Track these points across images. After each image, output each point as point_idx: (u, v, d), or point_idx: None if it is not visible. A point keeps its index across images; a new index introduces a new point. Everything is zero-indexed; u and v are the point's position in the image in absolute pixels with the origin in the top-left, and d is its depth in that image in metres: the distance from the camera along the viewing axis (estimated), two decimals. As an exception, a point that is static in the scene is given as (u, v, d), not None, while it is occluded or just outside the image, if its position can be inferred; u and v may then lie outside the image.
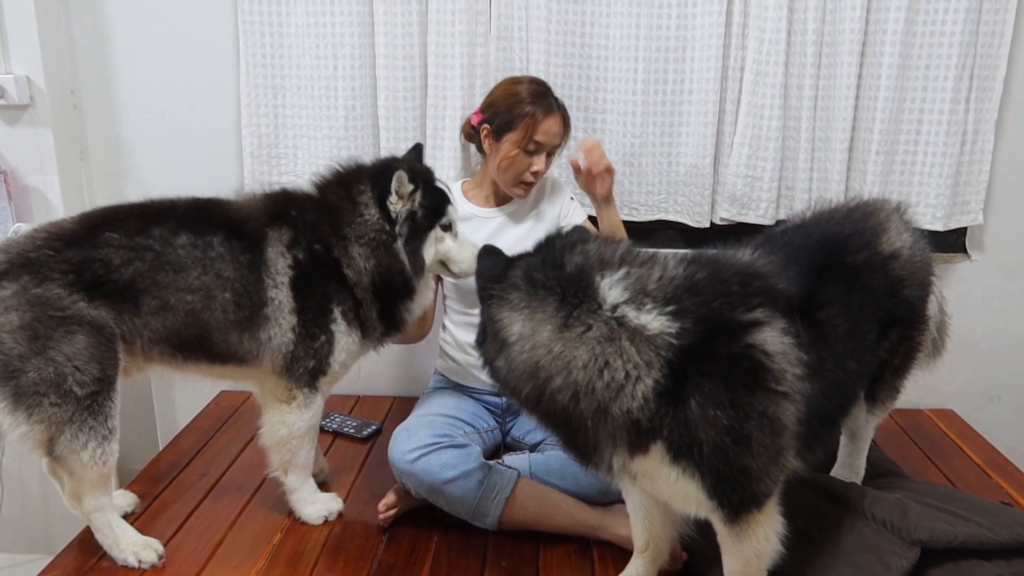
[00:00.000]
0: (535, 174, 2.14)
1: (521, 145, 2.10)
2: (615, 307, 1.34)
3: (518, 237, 2.20)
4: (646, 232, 2.61)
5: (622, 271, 1.38)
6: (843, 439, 2.00)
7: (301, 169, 2.54)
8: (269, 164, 2.56)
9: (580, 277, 1.38)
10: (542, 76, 2.40)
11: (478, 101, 2.46)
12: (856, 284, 1.59)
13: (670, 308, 1.33)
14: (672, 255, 1.45)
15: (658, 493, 1.45)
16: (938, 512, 1.65)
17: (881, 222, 1.73)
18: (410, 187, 1.88)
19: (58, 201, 2.50)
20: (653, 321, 1.32)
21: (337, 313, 1.88)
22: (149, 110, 2.60)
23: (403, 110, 2.48)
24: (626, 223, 2.36)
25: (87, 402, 1.69)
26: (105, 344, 1.70)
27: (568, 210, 2.31)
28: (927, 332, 1.86)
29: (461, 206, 2.21)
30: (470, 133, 2.27)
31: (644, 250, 1.47)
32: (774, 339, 1.35)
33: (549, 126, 2.11)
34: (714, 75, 2.40)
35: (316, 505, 2.00)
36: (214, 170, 2.60)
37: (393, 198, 1.87)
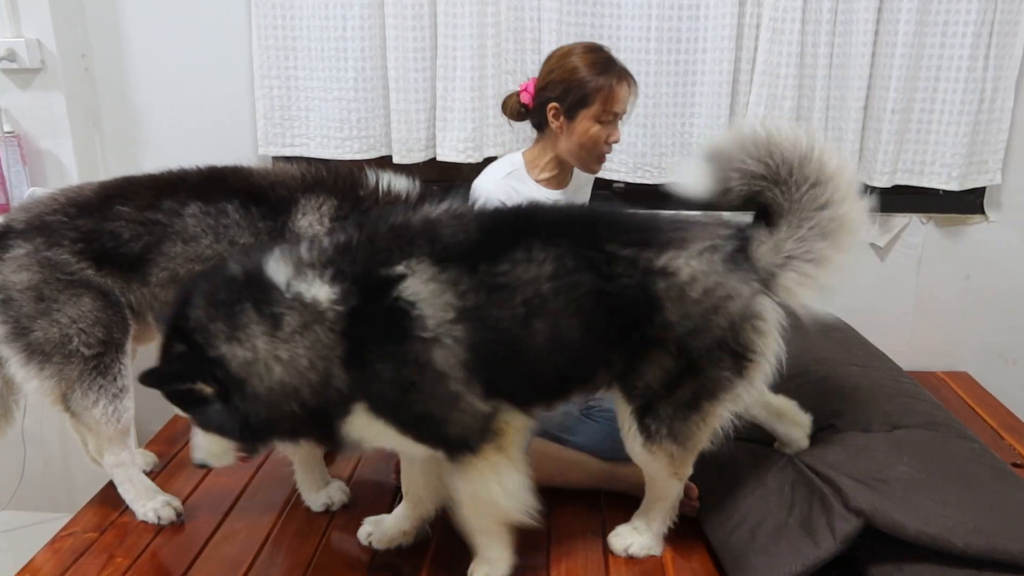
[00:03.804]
0: (610, 144, 2.04)
1: (599, 118, 1.99)
2: (288, 285, 1.40)
3: None
4: (661, 195, 2.59)
5: (278, 250, 1.45)
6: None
7: (313, 132, 2.54)
8: (282, 127, 2.55)
9: (252, 273, 1.43)
10: (553, 36, 2.38)
11: (489, 62, 2.45)
12: (584, 268, 1.50)
13: (328, 272, 1.42)
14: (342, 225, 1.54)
15: (386, 445, 1.54)
16: (921, 492, 1.59)
17: (679, 239, 1.55)
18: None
19: (72, 165, 2.51)
20: (320, 291, 1.40)
21: None
22: (161, 74, 2.59)
23: (413, 71, 2.46)
24: (639, 186, 2.35)
25: (94, 362, 1.73)
26: (112, 309, 1.73)
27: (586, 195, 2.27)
28: (728, 379, 1.57)
29: (527, 184, 2.09)
30: (520, 112, 2.10)
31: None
32: (417, 288, 1.40)
33: (624, 93, 2.00)
34: (729, 33, 2.37)
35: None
36: (227, 133, 2.60)
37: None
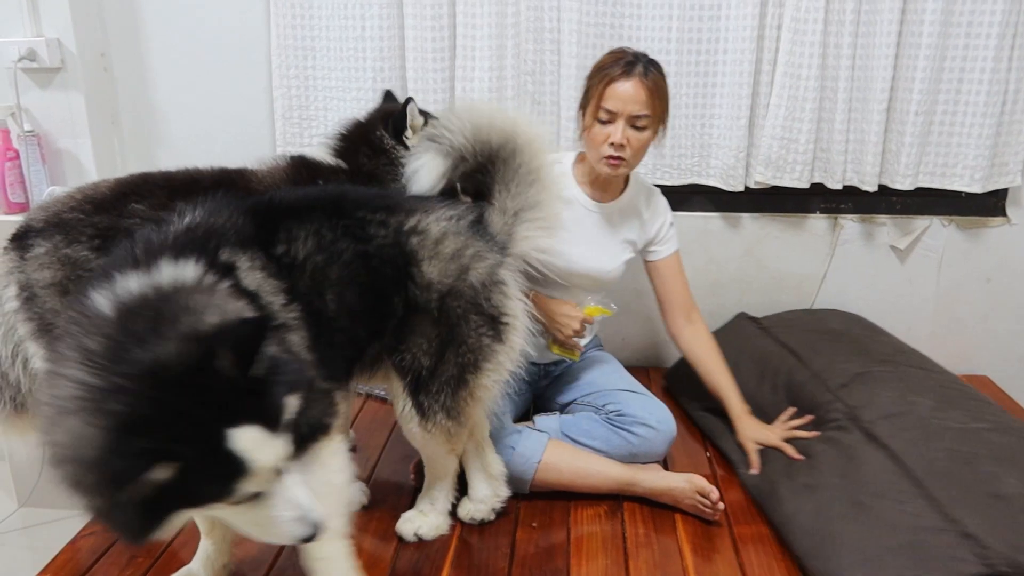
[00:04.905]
0: (613, 145, 1.94)
1: (595, 115, 1.95)
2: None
3: (624, 237, 2.15)
4: (680, 197, 2.58)
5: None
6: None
7: (331, 131, 2.52)
8: (300, 126, 2.55)
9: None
10: (573, 36, 2.37)
11: (508, 63, 2.44)
12: (341, 236, 1.53)
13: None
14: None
15: None
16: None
17: (423, 207, 1.64)
18: (421, 119, 1.93)
19: (91, 164, 2.52)
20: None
21: None
22: (180, 74, 2.59)
23: (431, 71, 2.46)
24: (658, 187, 2.33)
25: None
26: None
27: (663, 236, 2.19)
28: (488, 346, 1.66)
29: (569, 186, 2.08)
30: None
31: None
32: (247, 276, 1.35)
33: (622, 91, 1.91)
34: (750, 33, 2.35)
35: None
36: (246, 133, 2.60)
37: (409, 132, 1.92)
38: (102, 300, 1.17)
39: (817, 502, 1.77)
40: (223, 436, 1.06)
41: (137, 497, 1.05)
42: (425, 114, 1.99)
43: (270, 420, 1.12)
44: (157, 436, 1.03)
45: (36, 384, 1.81)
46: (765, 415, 2.12)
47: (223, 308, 1.21)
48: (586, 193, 2.11)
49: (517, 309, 1.70)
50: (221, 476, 1.09)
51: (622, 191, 2.14)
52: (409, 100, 1.96)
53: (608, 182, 2.09)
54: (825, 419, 2.01)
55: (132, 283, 1.20)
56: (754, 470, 1.99)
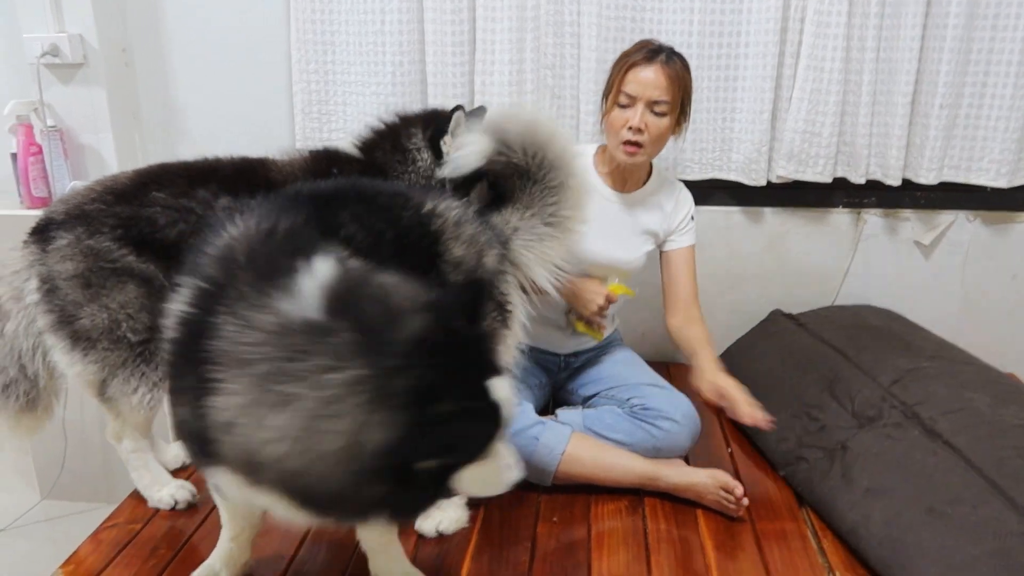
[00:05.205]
0: (631, 129, 1.96)
1: (615, 100, 1.99)
2: None
3: (645, 228, 2.15)
4: (701, 191, 2.56)
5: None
6: None
7: (350, 126, 2.54)
8: (319, 121, 2.56)
9: None
10: (593, 30, 2.35)
11: (528, 56, 2.43)
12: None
13: None
14: None
15: None
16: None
17: (433, 194, 1.64)
18: (463, 129, 1.89)
19: (112, 159, 2.53)
20: None
21: None
22: (200, 69, 2.60)
23: (451, 65, 2.45)
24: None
25: (139, 348, 1.73)
26: (156, 295, 1.73)
27: (683, 227, 2.19)
28: (498, 330, 1.69)
29: (590, 174, 2.10)
30: None
31: None
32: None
33: (643, 76, 1.95)
34: (773, 26, 2.32)
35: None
36: (265, 127, 2.60)
37: (448, 139, 1.89)
38: (302, 310, 1.10)
39: (885, 509, 1.71)
40: (487, 389, 1.08)
41: (433, 468, 1.07)
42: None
43: (500, 368, 1.15)
44: (448, 400, 1.05)
45: (54, 379, 1.83)
46: (809, 412, 2.06)
47: (403, 285, 1.19)
48: (607, 183, 2.12)
49: (517, 300, 1.72)
50: (491, 429, 1.10)
51: (644, 183, 2.14)
52: (459, 107, 1.94)
53: (629, 172, 2.10)
54: (878, 417, 1.93)
55: (311, 287, 1.14)
56: (723, 402, 1.95)
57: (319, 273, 1.16)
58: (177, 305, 1.22)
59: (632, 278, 2.17)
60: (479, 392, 1.09)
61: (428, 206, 1.59)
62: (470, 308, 1.14)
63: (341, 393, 1.02)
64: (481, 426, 1.10)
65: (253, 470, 1.10)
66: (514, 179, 1.79)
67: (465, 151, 1.76)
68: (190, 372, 1.14)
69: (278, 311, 1.11)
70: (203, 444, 1.14)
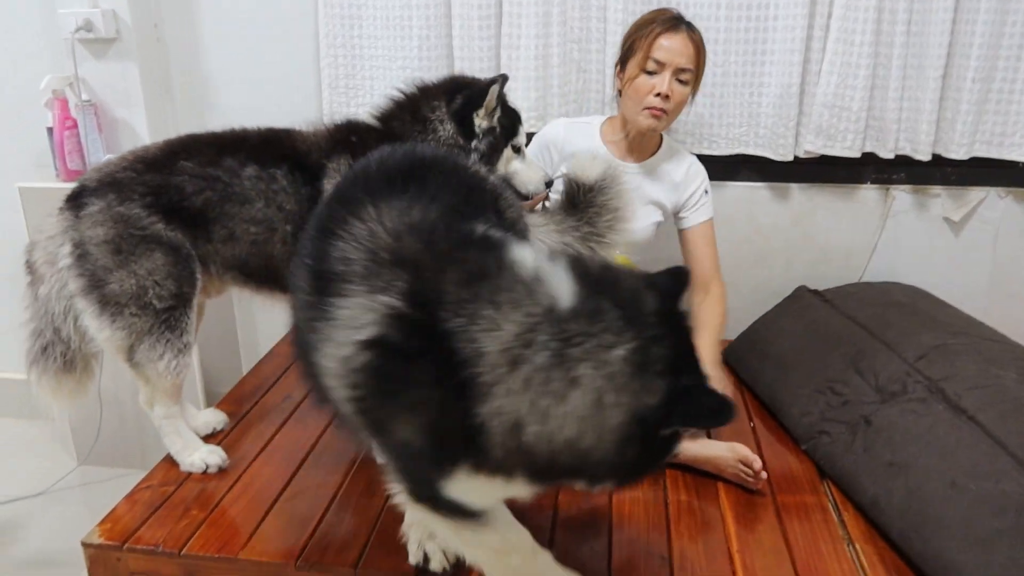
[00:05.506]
0: (660, 96, 2.01)
1: (641, 65, 2.02)
2: None
3: (652, 198, 2.16)
4: (727, 167, 2.55)
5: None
6: None
7: (377, 100, 2.49)
8: (347, 95, 2.58)
9: None
10: (620, 3, 2.34)
11: (554, 30, 2.42)
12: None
13: None
14: None
15: None
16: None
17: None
18: (496, 104, 1.89)
19: (145, 133, 2.58)
20: None
21: None
22: (230, 43, 2.64)
23: (477, 39, 2.46)
24: (705, 157, 2.32)
25: (165, 315, 1.78)
26: (182, 263, 1.78)
27: (696, 202, 2.19)
28: None
29: (599, 149, 2.13)
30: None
31: None
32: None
33: (671, 43, 2.00)
34: (802, -1, 2.30)
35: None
36: (294, 101, 2.63)
37: (481, 112, 1.88)
38: (559, 297, 1.11)
39: (907, 482, 1.70)
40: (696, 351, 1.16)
41: (668, 435, 1.12)
42: (505, 105, 1.93)
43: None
44: (687, 368, 1.12)
45: (86, 342, 1.88)
46: (832, 387, 2.05)
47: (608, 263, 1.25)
48: (614, 153, 2.14)
49: None
50: (720, 398, 1.12)
51: (653, 153, 2.15)
52: (500, 77, 1.88)
53: (640, 141, 2.12)
54: (902, 392, 1.91)
55: (553, 274, 1.14)
56: None
57: (541, 261, 1.17)
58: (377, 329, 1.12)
59: (648, 264, 2.16)
60: (696, 359, 1.16)
61: (473, 167, 1.60)
62: (680, 285, 1.18)
63: (622, 368, 1.07)
64: (713, 393, 1.13)
65: (547, 461, 1.10)
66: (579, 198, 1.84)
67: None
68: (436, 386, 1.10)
69: (536, 302, 1.10)
70: (484, 453, 1.11)
